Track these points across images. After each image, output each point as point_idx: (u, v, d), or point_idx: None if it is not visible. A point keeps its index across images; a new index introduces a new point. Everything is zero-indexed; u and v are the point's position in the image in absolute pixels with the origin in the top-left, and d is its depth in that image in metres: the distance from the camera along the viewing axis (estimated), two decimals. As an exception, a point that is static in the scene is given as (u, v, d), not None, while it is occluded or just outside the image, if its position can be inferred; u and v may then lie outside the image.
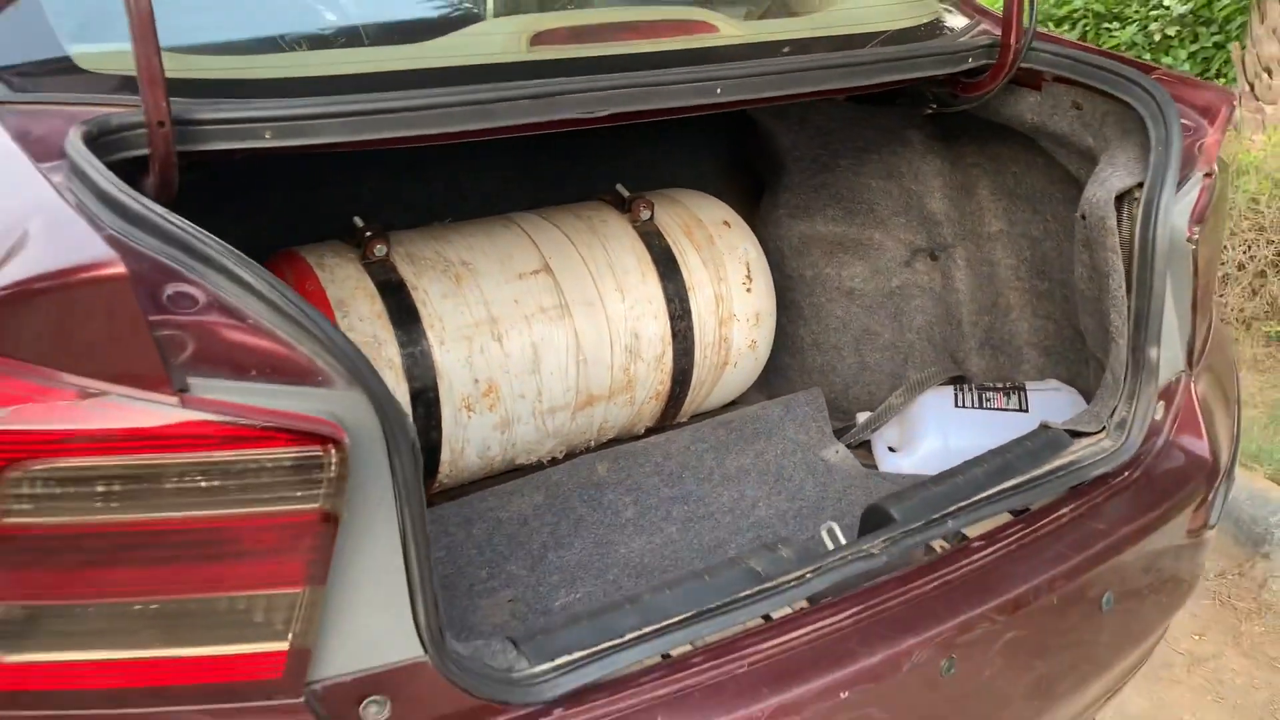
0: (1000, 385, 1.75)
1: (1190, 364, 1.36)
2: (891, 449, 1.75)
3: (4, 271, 0.72)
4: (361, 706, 0.84)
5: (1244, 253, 3.31)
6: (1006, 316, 1.88)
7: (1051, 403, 1.67)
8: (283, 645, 0.79)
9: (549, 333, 1.54)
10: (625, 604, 0.99)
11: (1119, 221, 1.31)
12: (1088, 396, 1.65)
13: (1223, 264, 3.30)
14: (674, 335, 1.67)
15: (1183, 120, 1.30)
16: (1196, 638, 2.30)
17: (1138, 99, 1.34)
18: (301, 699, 0.81)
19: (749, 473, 1.66)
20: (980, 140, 1.80)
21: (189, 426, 0.73)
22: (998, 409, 1.69)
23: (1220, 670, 2.22)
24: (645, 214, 1.70)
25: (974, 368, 1.88)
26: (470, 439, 1.49)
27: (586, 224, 1.68)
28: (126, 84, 1.02)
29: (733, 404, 1.88)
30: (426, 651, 0.85)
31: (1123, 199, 1.33)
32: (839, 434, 1.80)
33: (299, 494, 0.76)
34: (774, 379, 1.99)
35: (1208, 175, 1.32)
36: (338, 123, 0.99)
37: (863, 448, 1.82)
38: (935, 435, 1.67)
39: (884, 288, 1.93)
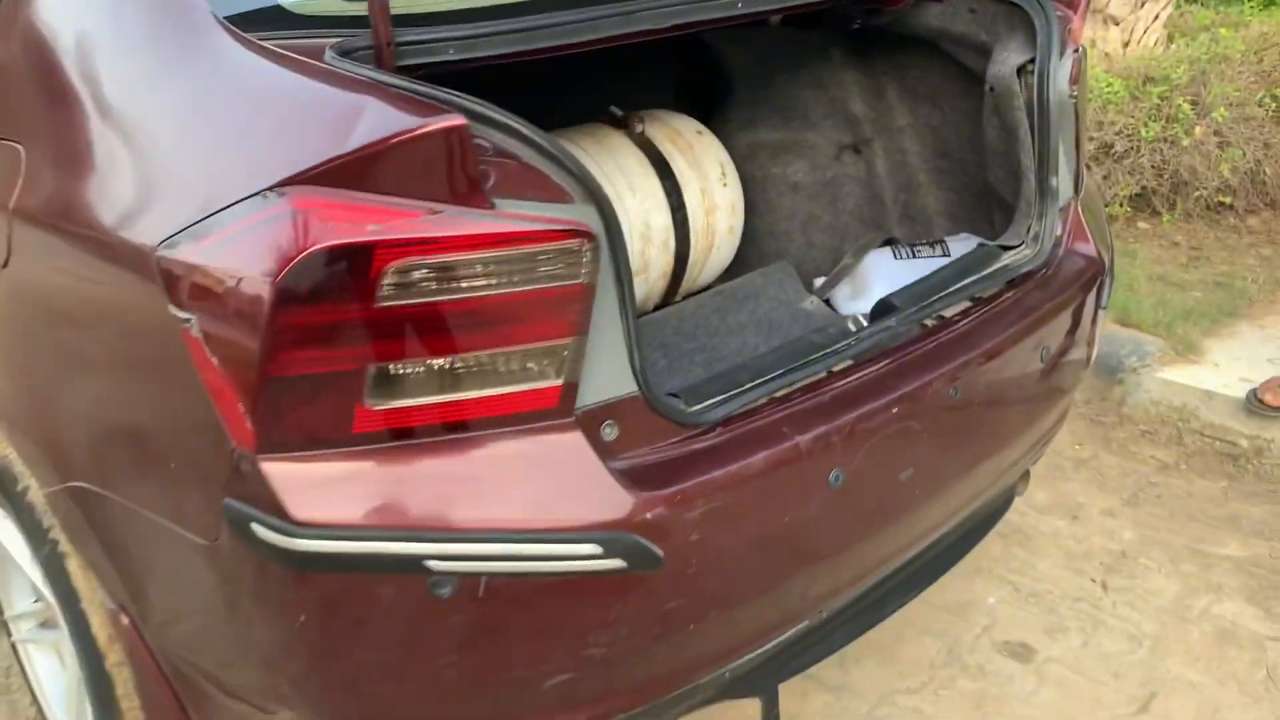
0: (925, 241, 2.22)
1: (1076, 191, 1.86)
2: (848, 299, 2.20)
3: (363, 131, 1.07)
4: (601, 427, 1.22)
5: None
6: (918, 193, 2.36)
7: (965, 246, 2.15)
8: (558, 382, 1.17)
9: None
10: (741, 366, 1.40)
11: (1019, 88, 1.79)
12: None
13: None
14: (674, 224, 2.07)
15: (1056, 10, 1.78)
16: (1077, 447, 2.86)
17: None
18: (572, 418, 1.19)
19: (747, 326, 2.08)
20: (886, 52, 2.26)
21: (500, 231, 1.10)
22: (927, 257, 2.16)
23: (1099, 466, 2.79)
24: (639, 128, 2.10)
25: (899, 235, 2.35)
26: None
27: (593, 139, 2.07)
28: (326, 21, 1.36)
29: (714, 283, 2.31)
30: (639, 388, 1.24)
31: (1019, 72, 1.80)
32: (805, 293, 2.25)
33: (569, 271, 1.14)
34: (737, 267, 2.42)
35: (1075, 51, 1.81)
36: (500, 38, 1.35)
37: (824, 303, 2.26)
38: (884, 282, 2.12)
39: (820, 179, 2.38)
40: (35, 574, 1.72)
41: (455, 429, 1.15)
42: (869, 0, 2.02)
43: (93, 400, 1.32)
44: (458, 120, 1.07)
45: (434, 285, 1.09)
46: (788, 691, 2.02)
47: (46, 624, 1.92)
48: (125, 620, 1.44)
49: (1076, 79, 1.79)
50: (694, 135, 2.18)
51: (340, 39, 1.27)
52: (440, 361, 1.13)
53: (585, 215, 1.16)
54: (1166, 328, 3.18)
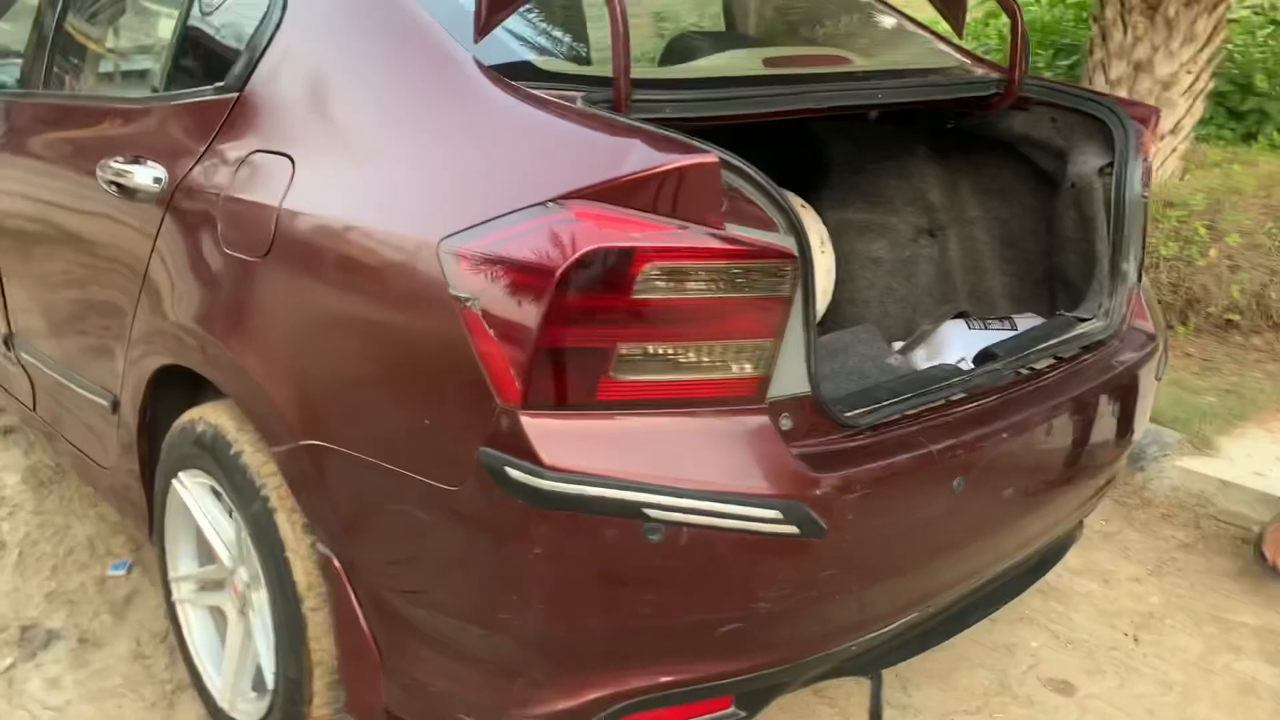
0: (994, 317, 2.53)
1: (1139, 278, 2.17)
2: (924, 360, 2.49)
3: (633, 161, 1.36)
4: (780, 417, 1.49)
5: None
6: (984, 275, 2.67)
7: (1029, 323, 2.45)
8: (757, 374, 1.45)
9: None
10: (878, 387, 1.68)
11: (1099, 186, 2.11)
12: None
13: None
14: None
15: None
16: (1104, 522, 3.13)
17: (1102, 111, 2.15)
18: (764, 405, 1.47)
19: (839, 374, 2.37)
20: (964, 151, 2.60)
21: (732, 247, 1.39)
22: (996, 330, 2.46)
23: (1124, 540, 3.05)
24: (756, 197, 2.41)
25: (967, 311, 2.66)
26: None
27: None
28: (562, 77, 1.67)
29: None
30: (812, 389, 1.52)
31: (1099, 172, 2.13)
32: (883, 355, 2.54)
33: (775, 285, 1.42)
34: (821, 329, 2.71)
35: (1145, 160, 2.14)
36: (701, 104, 1.66)
37: (902, 364, 2.55)
38: (958, 348, 2.42)
39: (899, 257, 2.69)
40: (225, 533, 1.96)
41: (675, 403, 1.42)
42: (964, 106, 2.35)
43: (343, 368, 1.58)
44: (713, 158, 1.36)
45: (676, 285, 1.38)
46: (857, 705, 2.26)
47: (206, 587, 2.14)
48: (336, 564, 1.67)
49: (1147, 182, 2.11)
50: (799, 207, 2.49)
51: (583, 92, 1.58)
52: (672, 346, 1.40)
53: (786, 243, 1.45)
54: (1184, 424, 3.47)
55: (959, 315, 2.60)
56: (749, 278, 1.41)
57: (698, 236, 1.37)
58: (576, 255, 1.33)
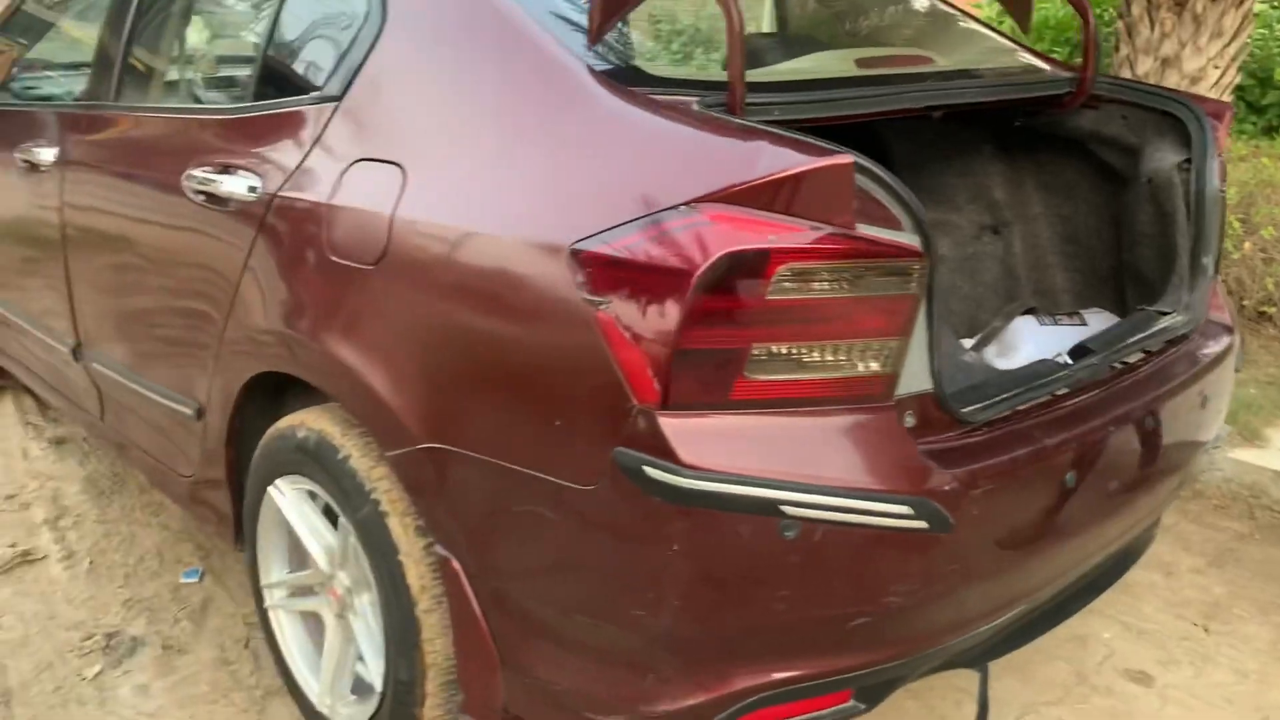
0: (1063, 312, 2.55)
1: (1216, 271, 2.19)
2: (995, 356, 2.52)
3: (766, 164, 1.39)
4: (902, 415, 1.52)
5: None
6: (1047, 271, 2.70)
7: (1098, 318, 2.48)
8: (885, 371, 1.47)
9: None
10: (986, 383, 1.70)
11: (1178, 181, 2.14)
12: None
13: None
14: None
15: None
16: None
17: (1177, 108, 2.17)
18: (892, 404, 1.49)
19: None
20: (1028, 149, 2.63)
21: (863, 247, 1.41)
22: (1067, 325, 2.48)
23: (1182, 533, 3.08)
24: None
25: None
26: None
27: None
28: (672, 83, 1.69)
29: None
30: (934, 386, 1.54)
31: (1175, 168, 2.16)
32: (951, 353, 2.57)
33: (905, 284, 1.45)
34: None
35: (1220, 154, 2.17)
36: (805, 106, 1.68)
37: (970, 361, 2.58)
38: (1030, 344, 2.44)
39: (962, 254, 2.72)
40: (323, 538, 1.98)
41: (807, 402, 1.45)
42: (1034, 105, 2.38)
43: (467, 372, 1.60)
44: (848, 159, 1.39)
45: (810, 286, 1.40)
46: (942, 698, 2.28)
47: (298, 592, 2.16)
48: (455, 566, 1.69)
49: (1223, 177, 2.14)
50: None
51: (697, 96, 1.60)
52: (804, 346, 1.43)
53: (913, 241, 1.48)
54: (1230, 416, 3.50)
55: (1027, 311, 2.63)
56: (880, 277, 1.43)
57: (832, 237, 1.39)
58: (714, 258, 1.36)
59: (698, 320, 1.38)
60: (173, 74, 2.56)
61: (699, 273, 1.36)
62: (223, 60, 2.44)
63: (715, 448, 1.41)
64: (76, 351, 2.79)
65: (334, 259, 1.79)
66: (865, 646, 1.56)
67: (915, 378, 1.52)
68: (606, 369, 1.42)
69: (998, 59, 2.33)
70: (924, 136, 2.69)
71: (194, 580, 2.73)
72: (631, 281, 1.41)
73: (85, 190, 2.56)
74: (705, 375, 1.40)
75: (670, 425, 1.40)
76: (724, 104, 1.58)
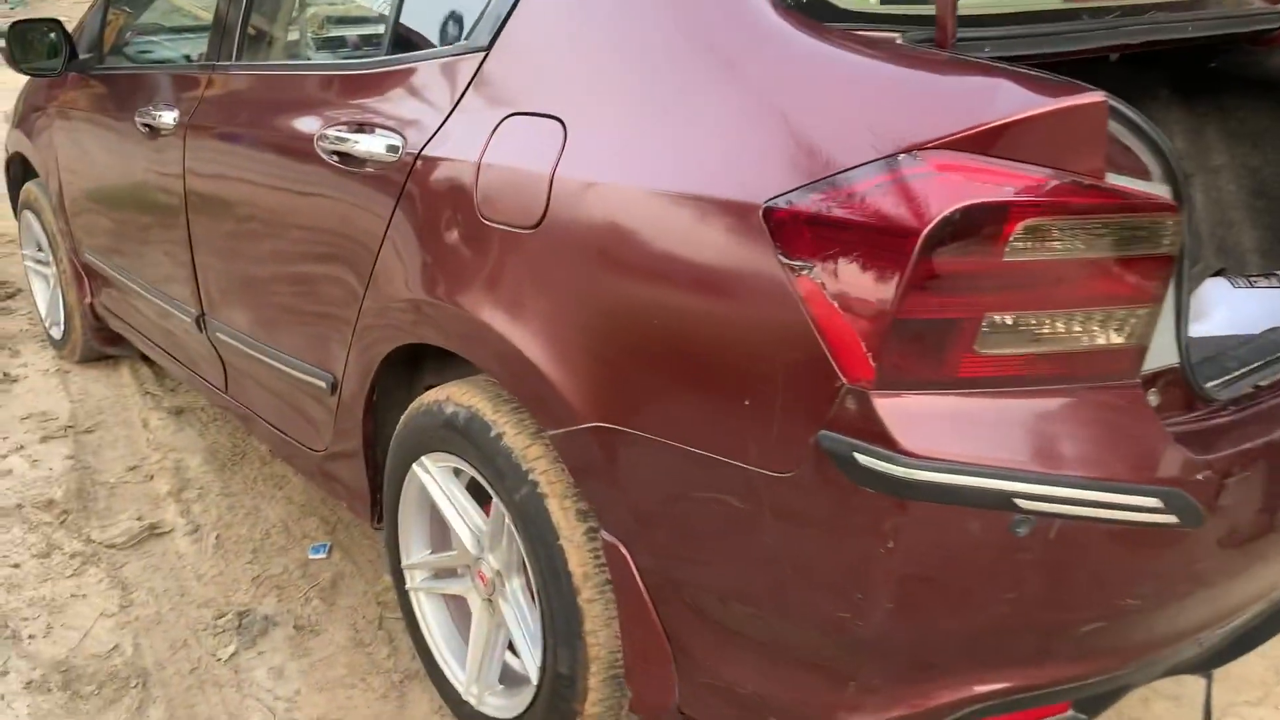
0: (1260, 273, 2.31)
1: None
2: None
3: (1003, 104, 1.20)
4: (1149, 392, 1.33)
5: None
6: (1232, 229, 2.45)
7: (1300, 281, 2.23)
8: (1132, 343, 1.28)
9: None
10: (1224, 355, 1.50)
11: None
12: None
13: None
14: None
15: None
16: None
17: None
18: (1137, 381, 1.30)
19: None
20: (1211, 94, 2.37)
21: (1117, 200, 1.22)
22: (1264, 288, 2.24)
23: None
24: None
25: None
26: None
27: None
28: (866, 17, 1.51)
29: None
30: (1181, 359, 1.35)
31: None
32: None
33: (1158, 242, 1.25)
34: None
35: None
36: (1016, 41, 1.48)
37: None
38: (1225, 308, 2.21)
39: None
40: (471, 518, 1.86)
41: (1044, 380, 1.27)
42: (1240, 40, 2.13)
43: (642, 345, 1.45)
44: (1100, 97, 1.19)
45: (1054, 245, 1.21)
46: (1129, 697, 2.08)
47: (441, 574, 2.05)
48: (624, 553, 1.56)
49: None
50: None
51: (899, 31, 1.42)
52: (1042, 315, 1.24)
53: (1162, 192, 1.28)
54: None
55: (1217, 273, 2.39)
56: (1134, 234, 1.24)
57: (1080, 189, 1.21)
58: (944, 213, 1.18)
59: (921, 285, 1.20)
60: (298, 31, 2.45)
61: (926, 230, 1.18)
62: (353, 14, 2.31)
63: (939, 433, 1.24)
64: (200, 321, 2.71)
65: (487, 222, 1.65)
66: (1094, 654, 1.39)
67: (1161, 351, 1.33)
68: (809, 342, 1.26)
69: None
70: (1096, 81, 2.44)
71: (322, 555, 2.66)
72: (840, 242, 1.24)
73: (210, 155, 2.46)
74: (927, 349, 1.23)
75: (886, 406, 1.23)
76: (931, 40, 1.39)
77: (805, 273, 1.26)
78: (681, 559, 1.50)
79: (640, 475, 1.50)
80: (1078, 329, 1.26)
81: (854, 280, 1.23)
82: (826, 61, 1.36)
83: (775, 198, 1.29)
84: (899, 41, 1.39)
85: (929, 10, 1.51)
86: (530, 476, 1.67)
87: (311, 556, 2.66)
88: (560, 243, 1.54)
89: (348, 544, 2.72)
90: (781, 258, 1.27)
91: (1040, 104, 1.20)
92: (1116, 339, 1.28)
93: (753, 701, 1.48)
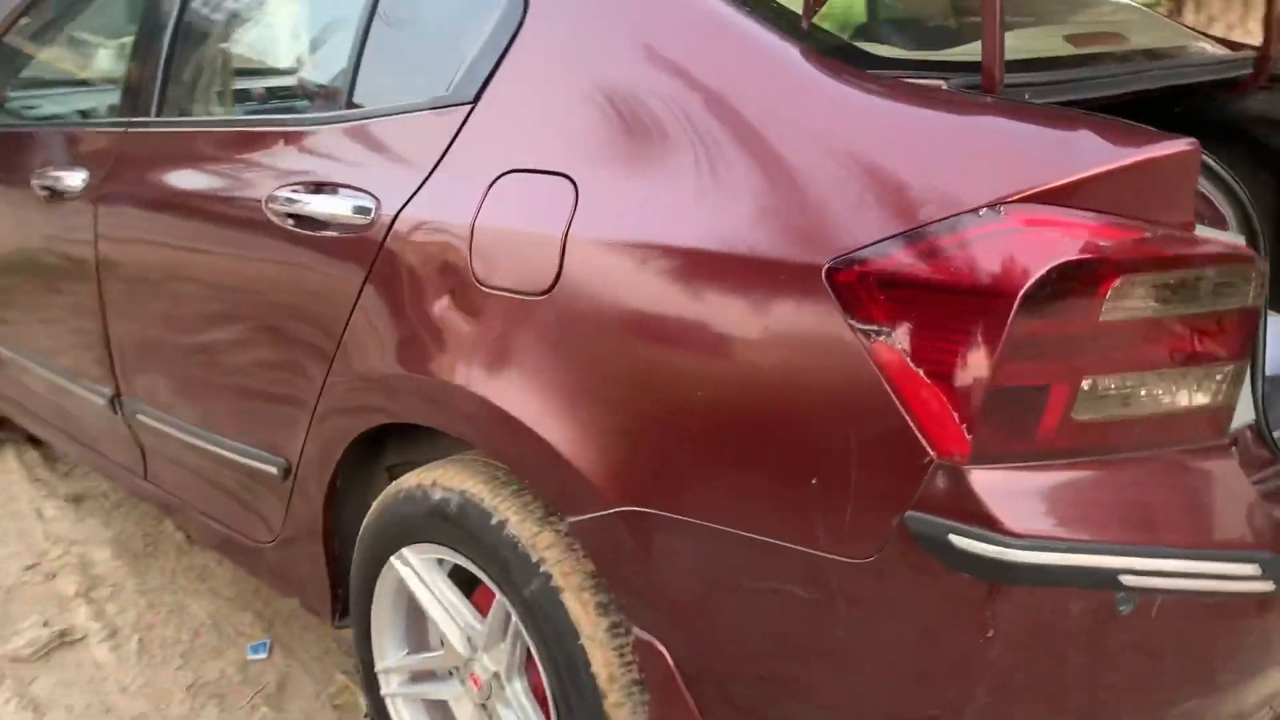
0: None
1: None
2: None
3: (1089, 155, 1.12)
4: (1230, 446, 1.25)
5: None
6: None
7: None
8: (1220, 402, 1.21)
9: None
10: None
11: None
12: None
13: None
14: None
15: None
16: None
17: None
18: (1226, 441, 1.23)
19: None
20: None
21: (1213, 253, 1.15)
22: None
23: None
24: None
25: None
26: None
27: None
28: (900, 64, 1.43)
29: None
30: (1259, 417, 1.28)
31: None
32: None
33: (1243, 295, 1.19)
34: None
35: None
36: (1053, 88, 1.42)
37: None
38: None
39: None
40: (463, 618, 1.69)
41: (1137, 446, 1.18)
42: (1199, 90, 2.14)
43: (684, 421, 1.32)
44: (1193, 144, 1.12)
45: (1148, 302, 1.14)
46: None
47: (420, 678, 1.86)
48: (662, 651, 1.41)
49: None
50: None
51: (943, 78, 1.34)
52: (1135, 377, 1.16)
53: (1240, 240, 1.22)
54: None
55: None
56: (1222, 287, 1.18)
57: (1179, 242, 1.13)
58: (1042, 271, 1.09)
59: (1018, 350, 1.10)
60: (233, 84, 2.25)
61: (1023, 290, 1.09)
62: (302, 63, 2.13)
63: (1040, 509, 1.14)
64: (115, 402, 2.45)
65: (486, 289, 1.50)
66: (1183, 735, 1.30)
67: (1242, 409, 1.26)
68: (888, 414, 1.15)
69: (1175, 38, 2.09)
70: None
71: (262, 656, 2.41)
72: (921, 304, 1.14)
73: (130, 221, 2.24)
74: (1023, 418, 1.13)
75: (984, 482, 1.12)
76: (978, 86, 1.31)
77: (881, 338, 1.15)
78: (731, 656, 1.36)
79: (680, 564, 1.36)
80: (1170, 391, 1.18)
81: (941, 346, 1.13)
82: (884, 111, 1.27)
83: (839, 258, 1.18)
84: (943, 88, 1.31)
85: (959, 57, 1.45)
86: (542, 569, 1.51)
87: (250, 657, 2.41)
88: (578, 309, 1.40)
89: (289, 640, 2.48)
90: (852, 322, 1.16)
91: (1131, 153, 1.12)
92: (1206, 399, 1.20)
93: (819, 808, 1.34)
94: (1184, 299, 1.15)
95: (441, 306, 1.57)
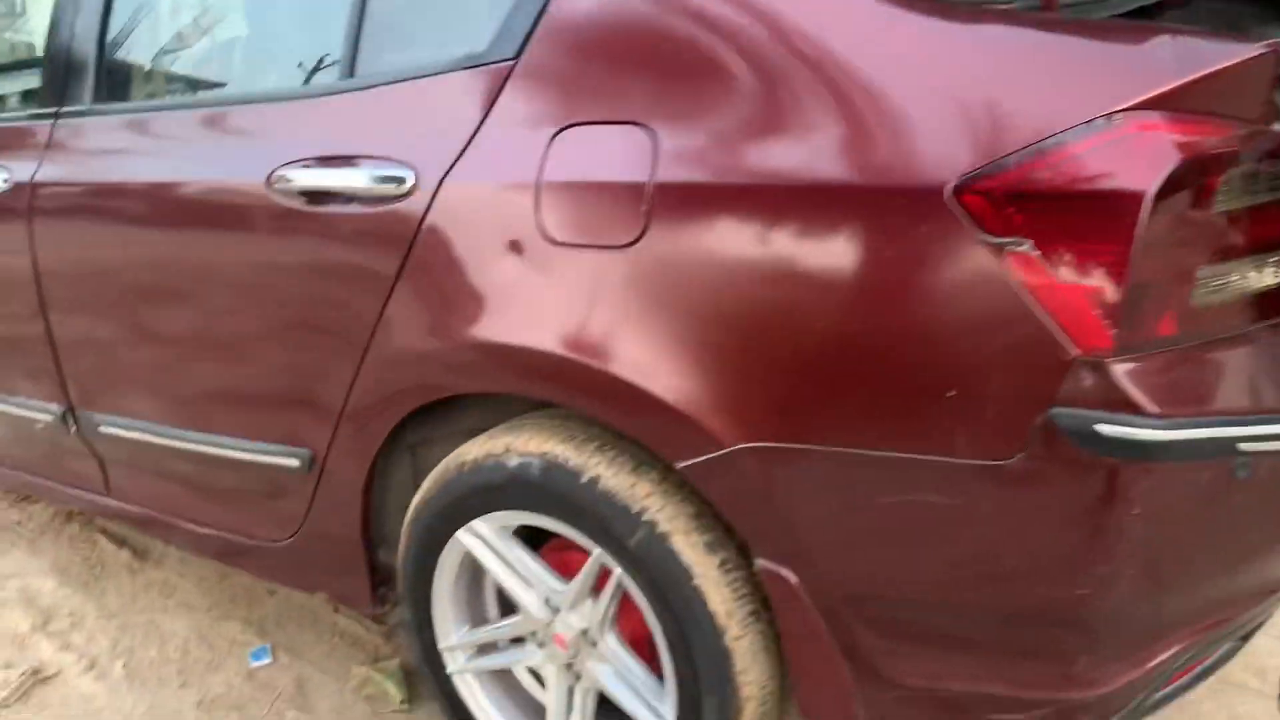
0: None
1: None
2: None
3: (1186, 62, 1.22)
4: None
5: None
6: None
7: None
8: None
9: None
10: None
11: None
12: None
13: None
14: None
15: None
16: None
17: None
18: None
19: None
20: None
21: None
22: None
23: None
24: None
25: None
26: None
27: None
28: None
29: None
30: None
31: None
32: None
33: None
34: None
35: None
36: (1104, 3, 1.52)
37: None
38: None
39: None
40: (544, 582, 1.69)
41: (1240, 326, 1.30)
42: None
43: (806, 353, 1.35)
44: (1269, 48, 1.23)
45: (1249, 192, 1.25)
46: (1240, 695, 2.14)
47: (484, 650, 1.85)
48: (788, 578, 1.45)
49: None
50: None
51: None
52: (1239, 263, 1.27)
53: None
54: None
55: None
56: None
57: (1269, 134, 1.24)
58: (1166, 171, 1.18)
59: (1148, 246, 1.19)
60: (202, 56, 2.10)
61: (1151, 190, 1.17)
62: (284, 29, 2.01)
63: (1176, 390, 1.24)
64: (69, 416, 2.28)
65: (560, 245, 1.48)
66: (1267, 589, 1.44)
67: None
68: (1027, 319, 1.22)
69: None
70: None
71: (266, 661, 2.32)
72: (1053, 212, 1.21)
73: (80, 220, 2.08)
74: (1155, 309, 1.23)
75: (1128, 372, 1.21)
76: (1036, 6, 1.39)
77: (1016, 248, 1.21)
78: (865, 575, 1.41)
79: (807, 491, 1.40)
80: (1264, 273, 1.30)
81: (1077, 250, 1.20)
82: (975, 35, 1.33)
83: (967, 175, 1.23)
84: (1014, 8, 1.38)
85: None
86: (645, 517, 1.52)
87: (254, 665, 2.31)
88: (673, 257, 1.41)
89: (288, 642, 2.38)
90: (984, 236, 1.22)
91: (1220, 58, 1.22)
92: (1290, 276, 1.33)
93: (963, 701, 1.42)
94: (1273, 186, 1.27)
95: (504, 270, 1.54)
